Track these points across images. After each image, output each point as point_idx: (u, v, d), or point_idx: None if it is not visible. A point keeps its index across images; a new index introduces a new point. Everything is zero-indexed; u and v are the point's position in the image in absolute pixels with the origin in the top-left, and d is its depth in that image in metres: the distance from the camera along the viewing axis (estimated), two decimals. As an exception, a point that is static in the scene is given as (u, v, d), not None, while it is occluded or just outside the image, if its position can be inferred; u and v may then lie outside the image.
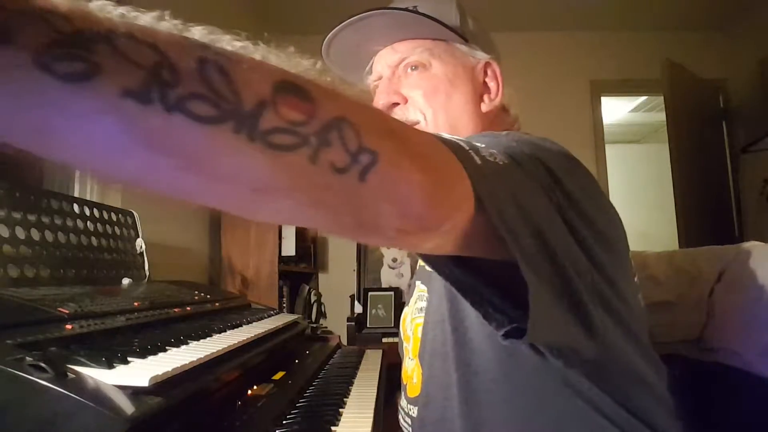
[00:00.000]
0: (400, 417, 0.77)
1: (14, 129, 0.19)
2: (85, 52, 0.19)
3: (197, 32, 0.24)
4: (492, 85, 0.74)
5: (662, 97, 3.01)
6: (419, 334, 0.73)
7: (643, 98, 4.13)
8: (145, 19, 0.22)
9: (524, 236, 0.40)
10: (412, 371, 0.75)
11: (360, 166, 0.27)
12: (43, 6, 0.18)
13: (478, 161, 0.38)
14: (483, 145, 0.41)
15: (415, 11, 0.69)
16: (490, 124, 0.72)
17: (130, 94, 0.20)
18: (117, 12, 0.21)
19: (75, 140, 0.20)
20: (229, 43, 0.25)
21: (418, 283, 0.79)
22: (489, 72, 0.74)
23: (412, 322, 0.78)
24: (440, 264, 0.46)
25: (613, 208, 0.57)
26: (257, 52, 0.26)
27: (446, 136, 0.39)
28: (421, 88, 0.70)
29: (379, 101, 0.71)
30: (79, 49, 0.19)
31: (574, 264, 0.45)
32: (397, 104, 0.71)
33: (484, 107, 0.73)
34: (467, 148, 0.38)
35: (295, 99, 0.25)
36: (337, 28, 0.71)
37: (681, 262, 0.95)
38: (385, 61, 0.74)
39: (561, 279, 0.43)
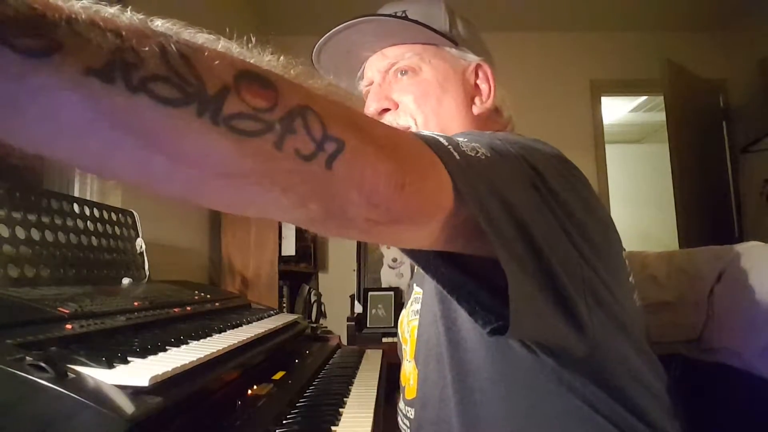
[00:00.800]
0: (399, 419, 0.77)
1: None
2: (46, 31, 0.19)
3: (160, 24, 0.24)
4: (483, 87, 0.74)
5: (662, 97, 3.01)
6: (415, 336, 0.73)
7: (643, 98, 4.13)
8: (108, 11, 0.22)
9: (506, 230, 0.40)
10: (409, 374, 0.75)
11: (326, 154, 0.27)
12: None
13: (458, 156, 0.38)
14: (465, 140, 0.41)
15: (404, 17, 0.69)
16: (483, 126, 0.72)
17: (93, 72, 0.20)
18: (79, 3, 0.21)
19: (39, 117, 0.20)
20: (191, 35, 0.25)
21: (414, 285, 0.79)
22: (480, 74, 0.74)
23: (409, 324, 0.78)
24: (427, 261, 0.46)
25: (605, 210, 0.57)
26: (219, 44, 0.26)
27: (425, 132, 0.39)
28: (411, 93, 0.70)
29: (370, 107, 0.71)
30: (40, 28, 0.19)
31: (562, 259, 0.45)
32: (388, 110, 0.71)
33: (476, 109, 0.73)
34: (446, 143, 0.38)
35: (258, 86, 0.25)
36: (326, 35, 0.71)
37: (681, 262, 0.95)
38: (375, 66, 0.74)
39: (546, 274, 0.44)
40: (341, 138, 0.28)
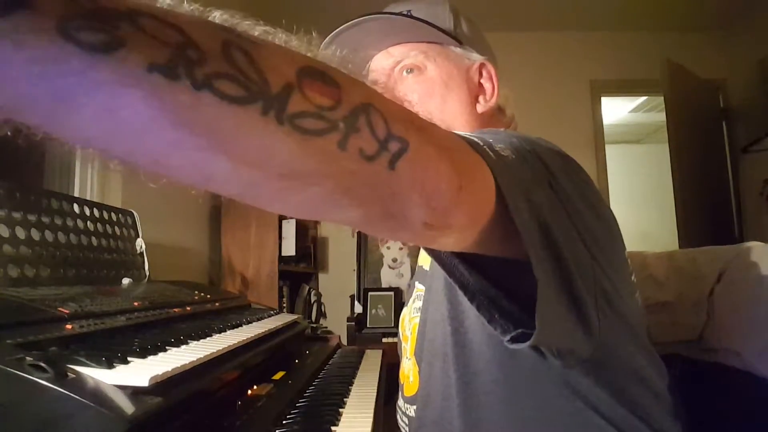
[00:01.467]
0: (397, 416, 0.77)
1: (38, 99, 0.19)
2: (108, 26, 0.19)
3: (218, 16, 0.24)
4: (487, 86, 0.74)
5: (662, 98, 3.01)
6: (416, 334, 0.73)
7: (643, 98, 4.13)
8: (166, 2, 0.22)
9: (534, 232, 0.40)
10: (409, 370, 0.75)
11: (389, 154, 0.27)
12: None
13: (494, 156, 0.38)
14: (491, 140, 0.41)
15: (409, 15, 0.70)
16: (486, 125, 0.73)
17: (157, 68, 0.20)
18: None
19: (98, 115, 0.20)
20: (249, 27, 0.24)
21: (416, 282, 0.79)
22: (484, 73, 0.74)
23: (410, 322, 0.78)
24: (451, 265, 0.45)
25: (607, 207, 0.57)
26: (278, 37, 0.26)
27: (461, 132, 0.39)
28: (416, 92, 0.71)
29: None
30: (102, 23, 0.19)
31: (576, 260, 0.45)
32: None
33: (480, 108, 0.73)
34: (482, 143, 0.38)
35: (321, 83, 0.25)
36: (332, 33, 0.72)
37: (681, 262, 0.95)
38: (380, 64, 0.74)
39: (564, 276, 0.43)
40: (405, 137, 0.27)
